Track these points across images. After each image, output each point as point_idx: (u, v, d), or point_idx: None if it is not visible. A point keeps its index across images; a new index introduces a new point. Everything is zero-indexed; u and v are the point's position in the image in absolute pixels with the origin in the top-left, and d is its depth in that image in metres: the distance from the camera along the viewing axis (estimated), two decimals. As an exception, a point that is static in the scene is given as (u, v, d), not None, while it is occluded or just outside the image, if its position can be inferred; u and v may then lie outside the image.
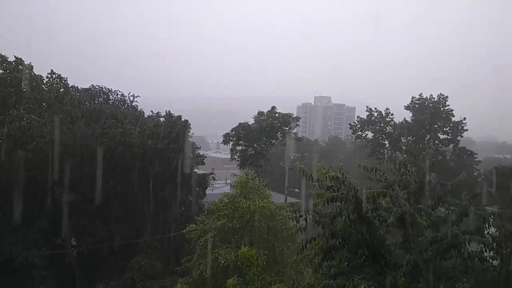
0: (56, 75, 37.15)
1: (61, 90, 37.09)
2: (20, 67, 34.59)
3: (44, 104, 34.94)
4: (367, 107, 52.47)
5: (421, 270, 8.36)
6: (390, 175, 9.67)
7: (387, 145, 51.38)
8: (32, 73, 35.36)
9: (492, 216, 9.32)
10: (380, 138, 51.60)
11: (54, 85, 36.86)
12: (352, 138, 65.52)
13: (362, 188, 8.81)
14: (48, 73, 36.71)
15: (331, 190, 8.81)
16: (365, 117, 52.00)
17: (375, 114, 51.52)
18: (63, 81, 37.48)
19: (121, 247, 31.75)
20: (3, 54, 34.35)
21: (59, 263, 30.98)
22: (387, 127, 51.41)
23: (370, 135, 52.75)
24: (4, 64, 34.00)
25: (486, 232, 9.22)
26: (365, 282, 7.81)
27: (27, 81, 34.70)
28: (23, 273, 29.40)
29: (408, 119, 50.64)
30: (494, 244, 8.93)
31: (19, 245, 29.99)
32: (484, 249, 8.91)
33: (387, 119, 51.49)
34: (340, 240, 8.64)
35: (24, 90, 34.62)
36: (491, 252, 8.95)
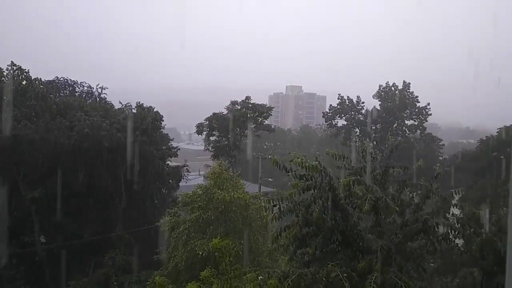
0: (17, 66, 35.43)
1: (23, 82, 35.48)
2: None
3: (5, 98, 33.34)
4: (339, 95, 53.28)
5: (393, 254, 8.62)
6: (357, 162, 9.92)
7: (358, 133, 52.48)
8: (-7, 66, 33.65)
9: (454, 198, 9.69)
10: (351, 126, 52.62)
11: (15, 77, 35.19)
12: (324, 127, 66.52)
13: (332, 176, 8.96)
14: (8, 65, 34.98)
15: (305, 179, 8.90)
16: (337, 105, 52.81)
17: (347, 102, 52.42)
18: (25, 73, 35.81)
19: (93, 243, 31.14)
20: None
21: (28, 262, 30.06)
22: (358, 115, 52.47)
23: (341, 123, 53.65)
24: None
25: (450, 214, 9.60)
26: (338, 268, 7.97)
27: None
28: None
29: (378, 107, 51.84)
30: (458, 225, 9.32)
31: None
32: (449, 231, 9.27)
33: (358, 107, 52.53)
34: (314, 227, 8.77)
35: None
36: (456, 232, 9.34)
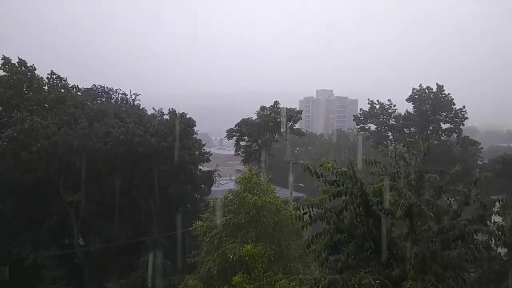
0: (56, 75, 37.12)
1: (61, 90, 37.10)
2: (23, 68, 34.63)
3: (46, 105, 34.99)
4: (368, 99, 52.39)
5: (428, 262, 8.39)
6: (391, 167, 9.70)
7: (390, 137, 51.29)
8: (35, 75, 35.38)
9: (496, 204, 9.31)
10: (383, 130, 51.51)
11: (55, 86, 36.88)
12: (356, 131, 65.45)
13: (365, 182, 8.83)
14: (48, 74, 36.72)
15: (336, 185, 8.83)
16: (368, 110, 51.90)
17: (377, 106, 51.44)
18: (63, 82, 37.48)
19: (129, 246, 31.97)
20: (6, 56, 34.41)
21: (68, 263, 31.21)
22: (390, 119, 51.31)
23: (373, 127, 52.66)
24: (7, 66, 34.05)
25: (491, 221, 9.22)
26: (371, 275, 7.85)
27: (29, 83, 34.72)
28: (33, 273, 29.68)
29: (411, 111, 50.49)
30: (500, 233, 8.94)
31: (28, 246, 30.28)
32: (490, 239, 8.92)
33: (390, 111, 51.39)
34: (346, 234, 8.67)
35: (26, 92, 34.68)
36: (497, 241, 8.96)
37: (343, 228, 8.58)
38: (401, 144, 10.43)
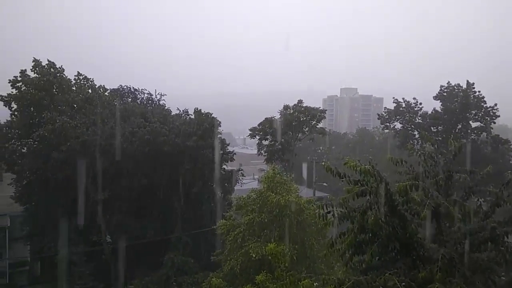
0: (83, 76, 38.19)
1: (89, 91, 38.12)
2: (52, 70, 35.76)
3: (74, 105, 36.03)
4: (393, 98, 51.34)
5: (456, 264, 8.16)
6: (418, 167, 9.47)
7: (416, 136, 50.12)
8: (64, 76, 36.49)
9: None
10: (409, 129, 50.39)
11: (82, 86, 37.93)
12: (381, 130, 64.28)
13: (391, 180, 8.66)
14: (75, 75, 37.83)
15: (360, 184, 8.70)
16: (393, 108, 50.89)
17: (403, 104, 50.35)
18: (90, 82, 38.52)
19: (154, 243, 32.53)
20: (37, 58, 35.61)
21: (96, 260, 32.04)
22: (416, 118, 50.13)
23: (399, 126, 51.62)
24: (38, 68, 35.23)
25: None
26: (396, 277, 7.69)
27: (58, 84, 35.82)
28: (62, 269, 30.64)
29: (438, 109, 49.19)
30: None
31: (58, 242, 31.28)
32: (522, 241, 8.59)
33: (416, 109, 50.22)
34: (370, 234, 8.53)
35: (55, 92, 35.78)
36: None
37: (367, 228, 8.44)
38: (429, 142, 10.15)
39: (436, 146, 10.32)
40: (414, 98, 50.67)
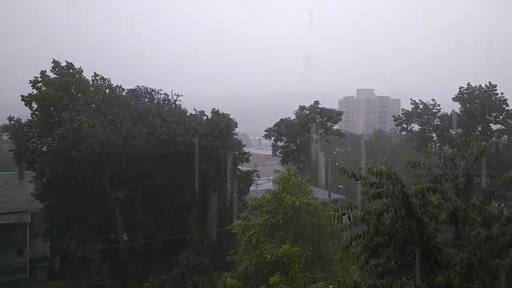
0: (99, 76, 38.80)
1: (106, 91, 38.68)
2: (70, 70, 36.45)
3: (93, 105, 36.63)
4: (411, 99, 50.64)
5: (475, 269, 7.98)
6: (437, 170, 9.30)
7: (434, 138, 49.31)
8: (82, 76, 37.14)
9: None
10: (427, 130, 49.60)
11: (99, 87, 38.52)
12: (398, 132, 63.46)
13: (409, 183, 8.53)
14: (92, 76, 38.49)
15: (376, 186, 8.60)
16: (411, 110, 50.17)
17: (421, 106, 49.59)
18: (107, 82, 39.10)
19: (169, 242, 32.82)
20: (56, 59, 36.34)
21: (112, 257, 32.47)
22: (435, 119, 49.32)
23: (416, 128, 50.85)
24: (57, 69, 35.96)
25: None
26: (413, 281, 7.57)
27: (76, 84, 36.48)
28: (80, 266, 31.17)
29: (458, 111, 48.26)
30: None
31: (76, 239, 31.84)
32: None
33: (434, 110, 49.41)
34: (386, 237, 8.42)
35: (74, 93, 36.44)
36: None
37: (383, 231, 8.33)
38: (451, 145, 9.99)
39: (456, 148, 10.14)
40: (432, 100, 49.89)
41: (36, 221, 36.35)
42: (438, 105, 49.60)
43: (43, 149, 34.75)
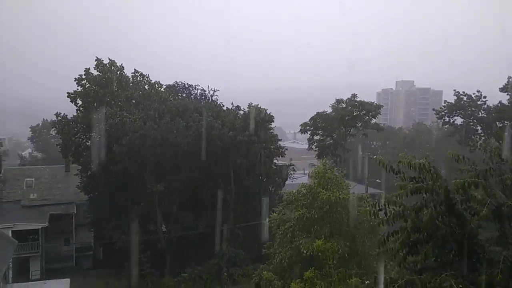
0: (139, 73, 39.96)
1: (145, 86, 39.80)
2: (112, 68, 37.77)
3: (133, 101, 37.83)
4: (454, 90, 48.44)
5: (520, 268, 7.62)
6: (482, 164, 8.89)
7: (479, 131, 47.04)
8: (123, 73, 38.42)
9: None
10: (472, 123, 47.37)
11: (139, 83, 39.69)
12: (439, 125, 61.00)
13: (450, 179, 8.23)
14: (132, 72, 39.71)
15: (415, 181, 8.36)
16: (453, 102, 48.07)
17: (465, 98, 47.36)
18: (146, 78, 40.22)
19: (206, 234, 33.47)
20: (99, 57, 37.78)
21: (152, 248, 33.57)
22: (479, 112, 46.99)
23: (459, 120, 48.68)
24: (100, 66, 37.38)
25: None
26: (453, 279, 7.33)
27: (118, 81, 37.78)
28: (122, 255, 32.47)
29: (505, 102, 45.75)
30: None
31: (118, 230, 33.17)
32: None
33: (479, 102, 47.04)
34: (425, 234, 8.19)
35: (116, 89, 37.77)
36: None
37: (421, 227, 8.11)
38: (495, 138, 9.53)
39: (503, 142, 9.64)
40: (478, 91, 47.50)
41: (81, 212, 38.24)
42: (484, 97, 47.19)
43: (87, 143, 36.34)
